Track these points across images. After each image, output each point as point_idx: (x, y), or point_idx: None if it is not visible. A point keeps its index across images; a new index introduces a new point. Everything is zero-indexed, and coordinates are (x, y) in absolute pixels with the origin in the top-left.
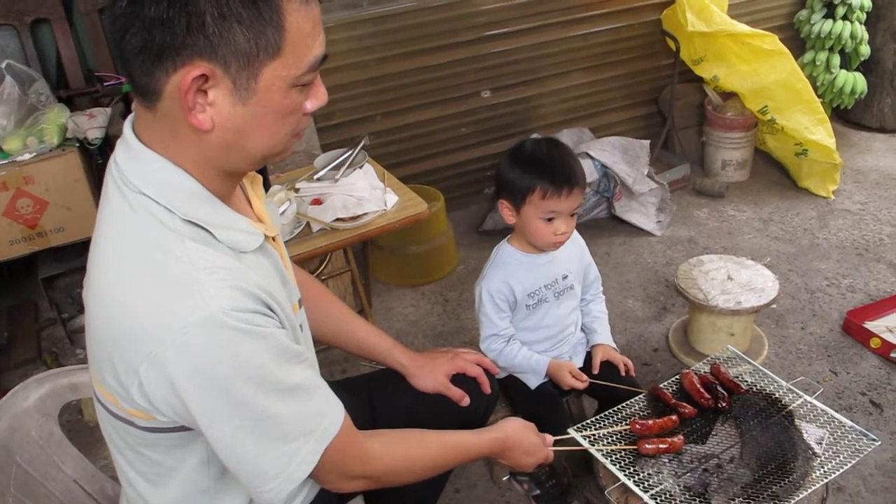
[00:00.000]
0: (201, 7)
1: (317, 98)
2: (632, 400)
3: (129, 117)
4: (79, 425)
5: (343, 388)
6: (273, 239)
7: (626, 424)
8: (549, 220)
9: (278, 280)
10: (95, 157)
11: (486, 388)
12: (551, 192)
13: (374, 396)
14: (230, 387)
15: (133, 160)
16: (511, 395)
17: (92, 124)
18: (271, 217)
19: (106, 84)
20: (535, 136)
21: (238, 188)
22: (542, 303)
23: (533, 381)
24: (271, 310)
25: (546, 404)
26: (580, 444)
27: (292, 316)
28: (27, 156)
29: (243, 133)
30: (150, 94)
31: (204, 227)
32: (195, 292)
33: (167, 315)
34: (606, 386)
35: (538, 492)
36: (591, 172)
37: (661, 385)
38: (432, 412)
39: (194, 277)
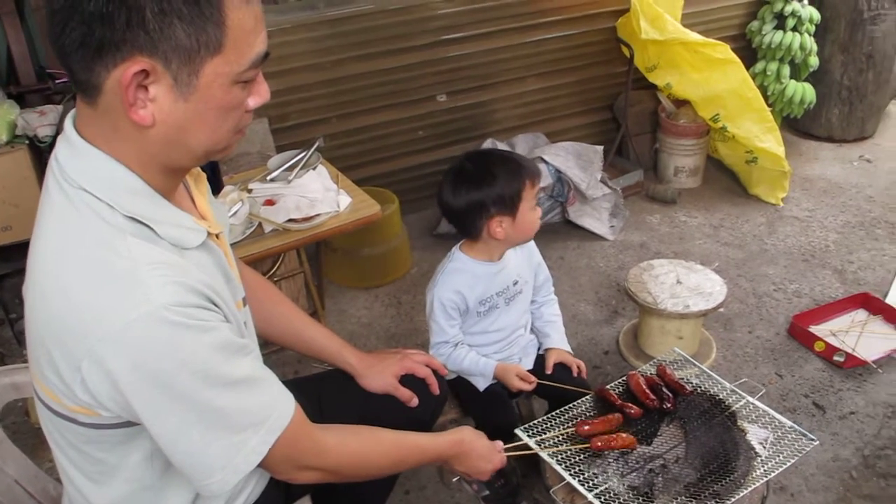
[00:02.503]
0: (141, 2)
1: (259, 95)
2: (579, 401)
3: (71, 113)
4: (24, 427)
5: (293, 387)
6: (217, 237)
7: (572, 425)
8: (535, 205)
9: (221, 277)
10: (45, 155)
11: (435, 389)
12: (536, 178)
13: (322, 397)
14: (173, 381)
15: (74, 157)
16: (460, 395)
17: (42, 122)
18: (216, 215)
19: (58, 81)
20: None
21: (182, 185)
22: (493, 309)
23: (481, 384)
24: (215, 305)
25: (495, 405)
26: (528, 445)
27: (237, 313)
28: None
29: (184, 129)
30: (90, 89)
31: (145, 224)
32: (137, 288)
33: (109, 311)
34: (555, 387)
35: (487, 492)
36: (545, 177)
37: (608, 386)
38: (381, 413)
39: (136, 273)
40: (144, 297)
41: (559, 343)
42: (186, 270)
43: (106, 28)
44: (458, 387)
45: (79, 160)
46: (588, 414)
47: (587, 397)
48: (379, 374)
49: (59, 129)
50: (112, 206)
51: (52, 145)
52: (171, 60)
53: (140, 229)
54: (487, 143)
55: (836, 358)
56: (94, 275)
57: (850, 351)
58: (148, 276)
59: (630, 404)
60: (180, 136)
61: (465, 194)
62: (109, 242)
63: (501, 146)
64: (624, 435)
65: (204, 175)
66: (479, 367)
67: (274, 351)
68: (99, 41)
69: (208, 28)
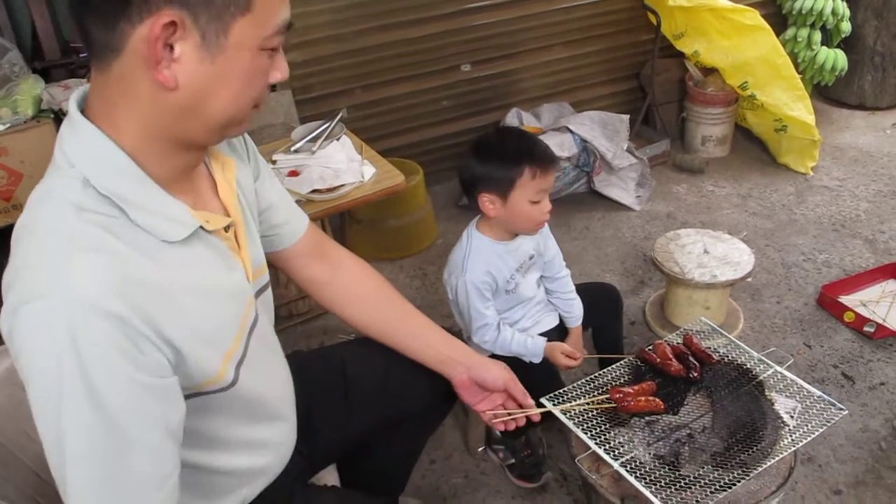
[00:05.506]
0: None
1: (279, 70)
2: (606, 369)
3: (79, 90)
4: None
5: (317, 356)
6: (227, 230)
7: (600, 393)
8: (536, 201)
9: (221, 268)
10: None
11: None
12: (540, 171)
13: (346, 364)
14: (42, 386)
15: (72, 134)
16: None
17: (67, 96)
18: (243, 205)
19: (81, 55)
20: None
21: (204, 171)
22: (518, 285)
23: (535, 359)
24: (156, 326)
25: (548, 378)
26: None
27: (227, 325)
28: (1, 127)
29: (206, 95)
30: (108, 52)
31: (119, 206)
32: (55, 272)
33: (17, 284)
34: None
35: (513, 461)
36: (570, 147)
37: (647, 348)
38: (404, 379)
39: (63, 256)
40: (53, 285)
41: (579, 321)
42: (126, 273)
43: None
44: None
45: (75, 136)
46: (618, 381)
47: (618, 364)
48: (495, 366)
49: None
50: (90, 180)
51: None
52: (199, 15)
53: (109, 211)
54: (512, 114)
55: (866, 328)
56: (31, 247)
57: (880, 321)
58: (75, 261)
59: (669, 361)
60: (201, 101)
61: (466, 161)
62: (61, 218)
63: (526, 116)
64: (653, 397)
65: (233, 162)
66: (527, 347)
67: (300, 322)
68: None
69: None
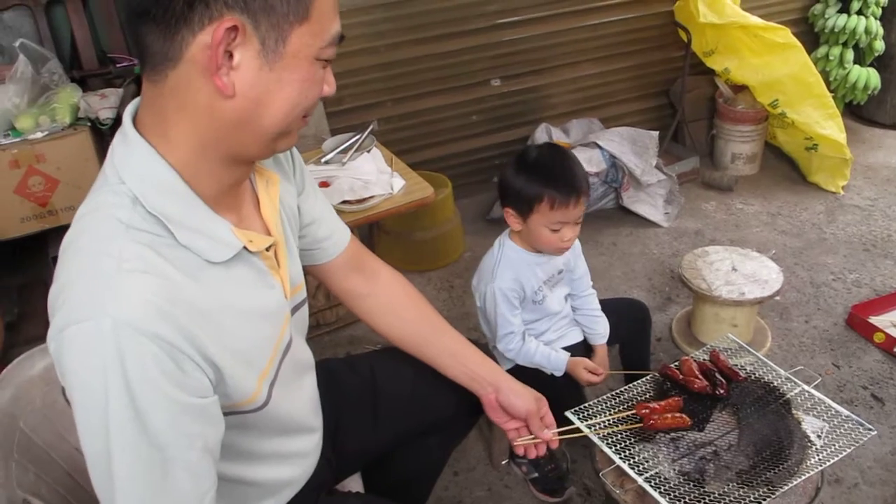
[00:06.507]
0: None
1: (328, 84)
2: (631, 384)
3: (133, 102)
4: None
5: (347, 365)
6: (268, 249)
7: (626, 408)
8: (555, 230)
9: (261, 288)
10: (106, 137)
11: (553, 445)
12: (559, 202)
13: (375, 373)
14: (91, 405)
15: (123, 146)
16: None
17: (103, 104)
18: (284, 222)
19: (118, 65)
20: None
21: (249, 189)
22: (545, 297)
23: (557, 372)
24: (199, 347)
25: (570, 392)
26: (579, 429)
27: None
28: (39, 134)
29: (263, 103)
30: (165, 61)
31: (166, 225)
32: (103, 293)
33: (65, 305)
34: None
35: (536, 475)
36: (599, 162)
37: (672, 365)
38: (431, 393)
39: (112, 277)
40: (101, 306)
41: (605, 338)
42: (173, 295)
43: None
44: (524, 373)
45: (127, 152)
46: (643, 397)
47: (643, 380)
48: (523, 395)
49: (119, 112)
50: (139, 198)
51: (112, 127)
52: (260, 21)
53: (156, 230)
54: (541, 129)
55: None
56: (79, 264)
57: None
58: (123, 282)
59: (694, 378)
60: (257, 111)
61: (506, 169)
62: (109, 237)
63: (556, 131)
64: (678, 414)
65: (277, 179)
66: (550, 361)
67: (328, 332)
68: None
69: None
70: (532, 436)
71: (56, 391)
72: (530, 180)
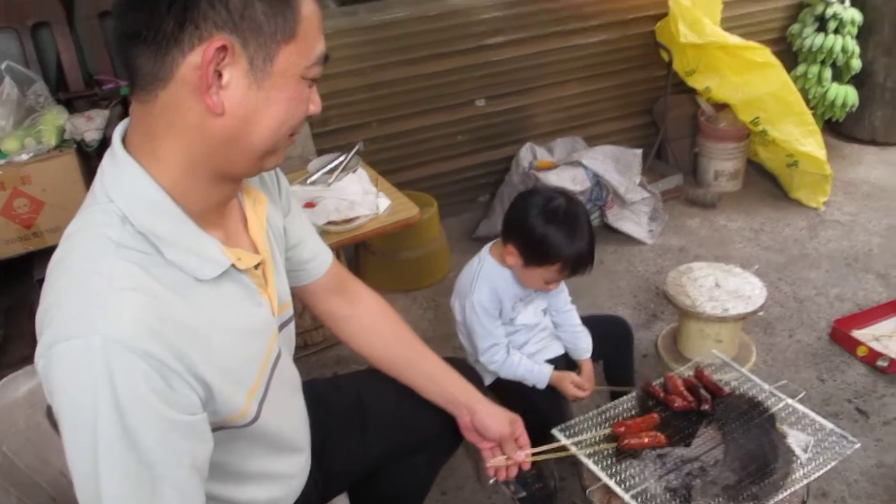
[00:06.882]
0: None
1: (314, 103)
2: (617, 401)
3: (122, 123)
4: None
5: (333, 385)
6: (256, 267)
7: (609, 426)
8: (550, 282)
9: (249, 305)
10: (92, 159)
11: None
12: (569, 273)
13: (362, 394)
14: (78, 423)
15: (112, 166)
16: (508, 396)
17: (89, 126)
18: (271, 241)
19: (104, 87)
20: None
21: (237, 207)
22: (520, 312)
23: (540, 385)
24: (188, 364)
25: (552, 406)
26: (564, 446)
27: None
28: (25, 156)
29: (252, 121)
30: (155, 82)
31: (153, 243)
32: (92, 311)
33: (53, 323)
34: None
35: (524, 494)
36: (583, 181)
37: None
38: (417, 412)
39: (101, 295)
40: (91, 323)
41: (589, 353)
42: (161, 313)
43: (188, 2)
44: (504, 387)
45: (116, 171)
46: (627, 414)
47: (627, 396)
48: (498, 419)
49: (105, 134)
50: (128, 216)
51: (98, 149)
52: (249, 41)
53: (144, 248)
54: (526, 148)
55: (879, 363)
56: (68, 282)
57: (893, 356)
58: (113, 300)
59: (674, 396)
60: (245, 128)
61: (525, 206)
62: (99, 255)
63: (540, 151)
64: (654, 433)
65: (264, 198)
66: (534, 374)
67: (315, 352)
68: (180, 17)
69: (286, 12)
70: (505, 456)
71: (40, 414)
72: (553, 243)
